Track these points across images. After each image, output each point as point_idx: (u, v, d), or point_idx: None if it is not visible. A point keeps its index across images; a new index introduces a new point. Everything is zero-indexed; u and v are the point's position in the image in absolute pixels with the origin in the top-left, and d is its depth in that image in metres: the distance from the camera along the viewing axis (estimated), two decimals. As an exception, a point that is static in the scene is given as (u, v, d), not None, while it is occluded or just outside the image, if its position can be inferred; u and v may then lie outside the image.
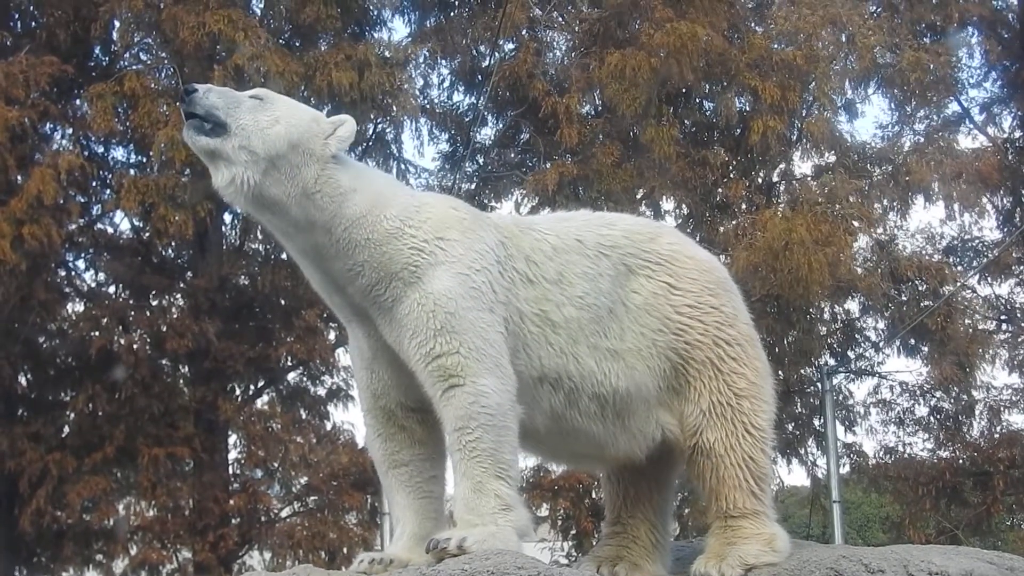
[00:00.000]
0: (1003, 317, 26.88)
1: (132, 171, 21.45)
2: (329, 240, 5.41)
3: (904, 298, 24.66)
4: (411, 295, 5.39)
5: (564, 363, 5.65)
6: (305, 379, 23.11)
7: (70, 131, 21.54)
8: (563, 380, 5.66)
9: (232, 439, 21.98)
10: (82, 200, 21.34)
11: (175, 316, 21.20)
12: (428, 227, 5.48)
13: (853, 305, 25.57)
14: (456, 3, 24.64)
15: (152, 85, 20.70)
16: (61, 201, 19.67)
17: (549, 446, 6.18)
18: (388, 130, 23.52)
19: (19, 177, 19.61)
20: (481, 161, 25.06)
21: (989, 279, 26.30)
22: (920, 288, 24.41)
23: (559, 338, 5.64)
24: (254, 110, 5.37)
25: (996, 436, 25.56)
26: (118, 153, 22.60)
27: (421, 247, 5.43)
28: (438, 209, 5.60)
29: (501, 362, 5.40)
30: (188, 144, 5.39)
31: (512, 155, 24.76)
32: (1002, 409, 26.05)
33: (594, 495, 21.45)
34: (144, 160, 21.57)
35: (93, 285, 22.45)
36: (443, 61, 24.37)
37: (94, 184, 21.79)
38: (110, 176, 21.64)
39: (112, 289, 22.20)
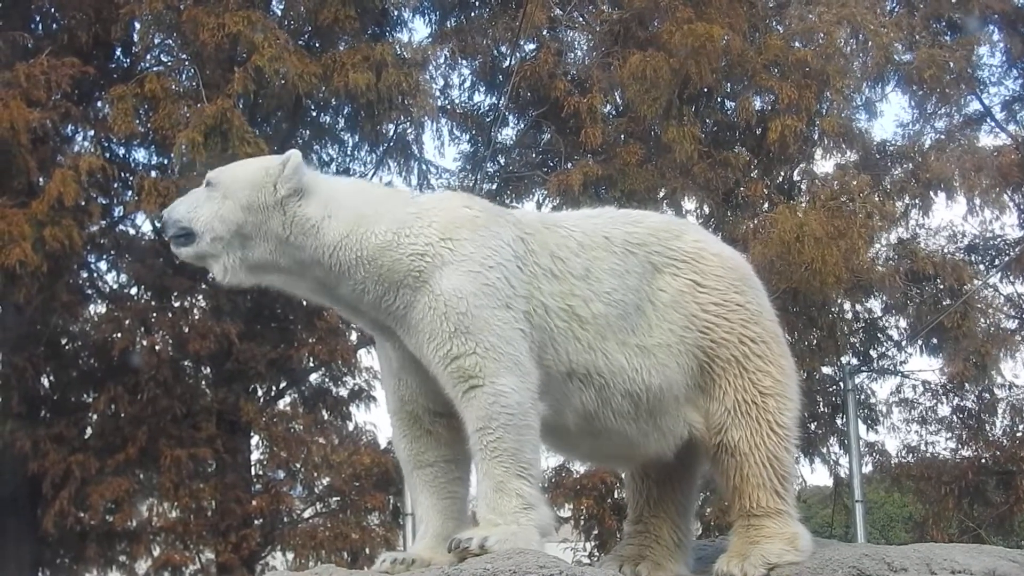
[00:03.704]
0: (1026, 315, 26.75)
1: (153, 173, 21.47)
2: (323, 271, 5.56)
3: (924, 296, 24.57)
4: (421, 300, 5.43)
5: (592, 358, 5.66)
6: (327, 380, 23.04)
7: (91, 133, 21.49)
8: (592, 376, 5.66)
9: (254, 440, 21.97)
10: (103, 202, 21.31)
11: (197, 317, 21.18)
12: (432, 231, 5.52)
13: (875, 304, 25.54)
14: (476, 3, 24.63)
15: (173, 87, 20.70)
16: (83, 203, 19.62)
17: (580, 447, 6.20)
18: (409, 131, 23.52)
19: (41, 179, 19.62)
20: (502, 161, 25.05)
21: (1011, 277, 26.17)
22: (940, 286, 24.32)
23: (587, 333, 5.65)
24: (208, 200, 5.76)
25: (1019, 435, 25.44)
26: (139, 155, 22.64)
27: (424, 251, 5.48)
28: (446, 211, 5.63)
29: (520, 360, 5.41)
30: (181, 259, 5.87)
31: (533, 155, 24.73)
32: (1024, 408, 25.93)
33: (616, 495, 21.41)
34: (165, 162, 21.60)
35: (115, 287, 22.47)
36: (464, 61, 24.39)
37: (115, 186, 21.73)
38: (131, 178, 21.60)
39: (134, 291, 22.17)
